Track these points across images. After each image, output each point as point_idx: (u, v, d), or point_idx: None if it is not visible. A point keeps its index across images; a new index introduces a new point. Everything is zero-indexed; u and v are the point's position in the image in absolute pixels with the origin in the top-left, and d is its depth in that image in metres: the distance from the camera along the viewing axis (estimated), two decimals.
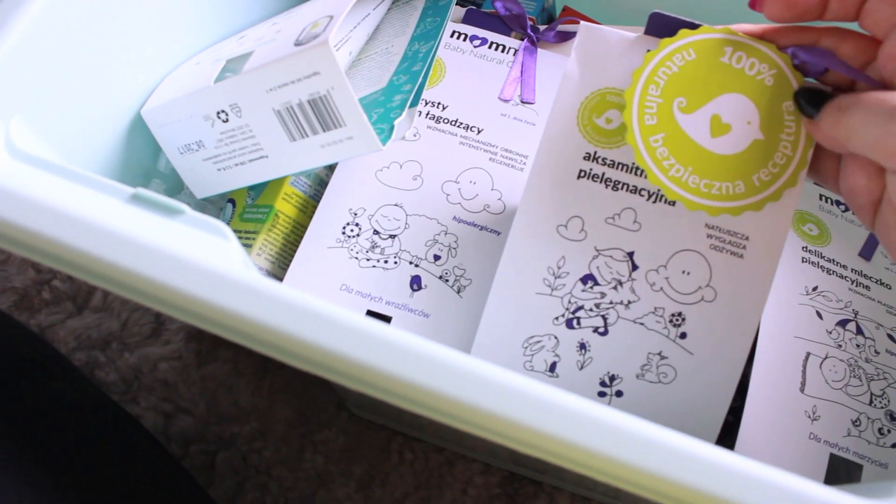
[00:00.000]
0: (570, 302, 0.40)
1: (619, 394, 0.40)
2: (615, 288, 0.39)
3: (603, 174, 0.39)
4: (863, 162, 0.36)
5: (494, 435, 0.27)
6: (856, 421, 0.45)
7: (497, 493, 0.58)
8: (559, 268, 0.40)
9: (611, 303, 0.40)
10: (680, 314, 0.39)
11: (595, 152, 0.39)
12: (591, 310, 0.40)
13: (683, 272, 0.39)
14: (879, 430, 0.45)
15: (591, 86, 0.39)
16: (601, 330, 0.40)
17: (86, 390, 0.42)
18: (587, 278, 0.39)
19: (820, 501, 0.26)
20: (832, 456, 0.44)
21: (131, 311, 0.61)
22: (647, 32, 0.39)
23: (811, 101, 0.36)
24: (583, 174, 0.39)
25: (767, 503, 0.26)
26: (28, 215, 0.28)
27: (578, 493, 0.58)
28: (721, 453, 0.26)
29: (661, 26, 0.38)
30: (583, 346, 0.40)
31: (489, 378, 0.26)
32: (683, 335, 0.39)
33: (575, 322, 0.40)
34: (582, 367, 0.40)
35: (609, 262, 0.39)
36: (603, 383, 0.40)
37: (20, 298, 0.61)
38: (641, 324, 0.40)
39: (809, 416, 0.45)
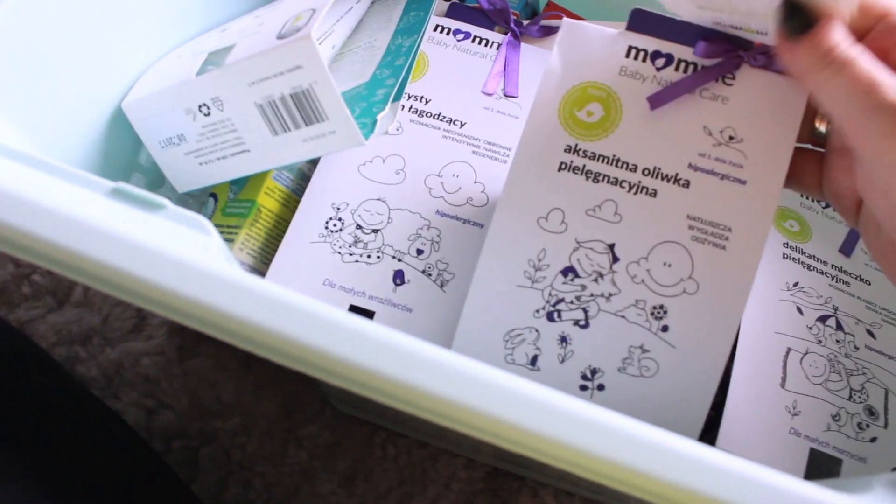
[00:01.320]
0: (550, 294, 0.40)
1: (600, 387, 0.40)
2: (596, 280, 0.39)
3: (584, 166, 0.39)
4: (845, 164, 0.36)
5: (476, 431, 0.27)
6: (835, 416, 0.45)
7: (480, 488, 0.58)
8: (540, 260, 0.40)
9: (591, 295, 0.39)
10: (661, 307, 0.39)
11: (576, 145, 0.39)
12: (571, 302, 0.40)
13: (665, 264, 0.39)
14: (859, 424, 0.45)
15: (572, 80, 0.39)
16: (582, 323, 0.40)
17: (67, 386, 0.42)
18: (568, 270, 0.39)
19: (799, 497, 0.26)
20: (812, 450, 0.44)
21: (112, 305, 0.61)
22: (629, 28, 0.39)
23: (796, 20, 0.32)
24: (563, 166, 0.39)
25: (748, 499, 0.26)
26: (6, 210, 0.28)
27: (562, 488, 0.58)
28: (702, 449, 0.26)
29: (643, 22, 0.39)
30: (564, 339, 0.40)
31: (470, 374, 0.26)
32: (665, 328, 0.39)
33: (556, 315, 0.40)
34: (563, 361, 0.40)
35: (590, 254, 0.39)
36: (584, 377, 0.40)
37: None
38: (622, 316, 0.39)
39: (790, 411, 0.45)
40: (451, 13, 0.52)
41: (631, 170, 0.39)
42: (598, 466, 0.26)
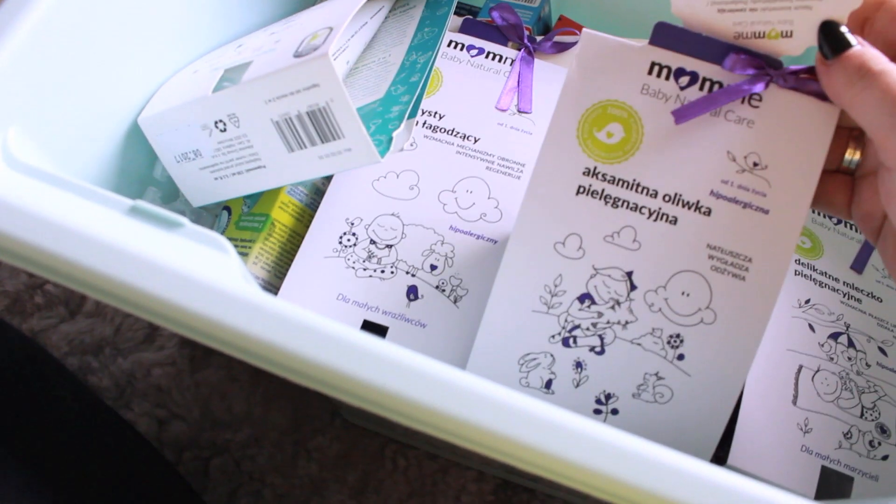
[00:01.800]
0: (566, 321, 0.40)
1: (614, 412, 0.40)
2: (613, 308, 0.39)
3: (603, 190, 0.38)
4: (876, 186, 0.36)
5: (489, 451, 0.27)
6: (847, 433, 0.45)
7: (490, 501, 0.58)
8: (556, 286, 0.39)
9: (608, 322, 0.39)
10: (678, 335, 0.39)
11: (595, 167, 0.38)
12: (587, 329, 0.39)
13: (683, 293, 0.38)
14: (870, 442, 0.45)
15: (592, 97, 0.38)
16: (598, 349, 0.39)
17: (83, 397, 0.42)
18: (584, 297, 0.39)
19: None
20: (824, 468, 0.44)
21: (124, 316, 0.61)
22: (652, 43, 0.38)
23: (832, 42, 0.34)
24: (582, 190, 0.39)
25: None
26: (26, 228, 0.28)
27: (571, 502, 0.58)
28: (714, 471, 0.26)
29: (667, 36, 0.37)
30: (579, 365, 0.40)
31: (484, 394, 0.27)
32: (681, 357, 0.39)
33: (571, 341, 0.40)
34: (578, 385, 0.40)
35: (607, 281, 0.39)
36: (598, 401, 0.40)
37: (12, 302, 0.61)
38: (639, 344, 0.39)
39: (801, 429, 0.45)
40: (464, 29, 0.53)
41: (651, 195, 0.38)
42: (607, 486, 0.26)
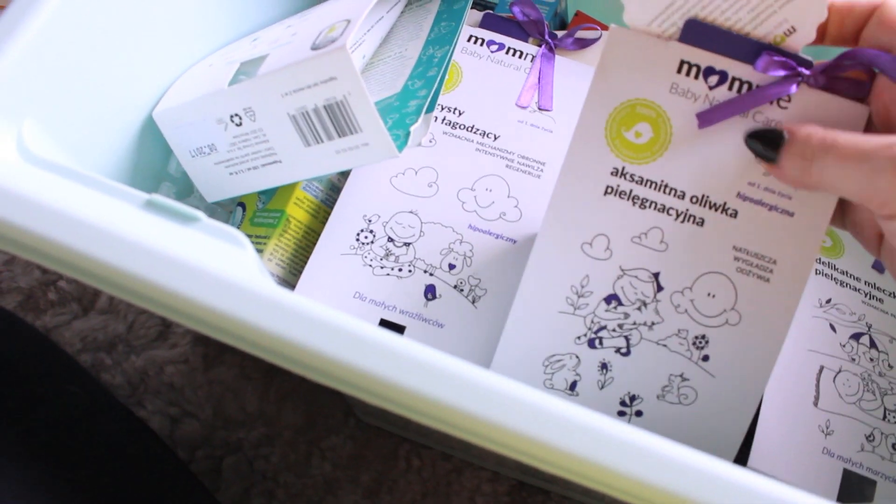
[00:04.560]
0: (592, 322, 0.39)
1: (638, 413, 0.40)
2: (639, 309, 0.39)
3: (630, 191, 0.38)
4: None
5: (509, 450, 0.27)
6: (869, 436, 0.45)
7: (505, 502, 0.58)
8: (583, 287, 0.39)
9: (634, 323, 0.39)
10: (703, 337, 0.39)
11: (623, 168, 0.38)
12: (613, 330, 0.39)
13: (709, 294, 0.38)
14: (893, 445, 0.45)
15: (620, 96, 0.38)
16: (623, 350, 0.39)
17: (97, 394, 0.42)
18: (611, 298, 0.39)
19: None
20: (846, 471, 0.44)
21: (137, 313, 0.61)
22: (682, 40, 0.37)
23: (766, 144, 0.35)
24: (610, 190, 0.38)
25: None
26: (41, 221, 0.28)
27: (587, 503, 0.58)
28: (736, 471, 0.26)
29: (697, 34, 0.37)
30: (604, 366, 0.39)
31: (506, 393, 0.26)
32: (706, 358, 0.39)
33: (597, 342, 0.39)
34: (602, 387, 0.40)
35: (634, 282, 0.39)
36: (623, 403, 0.40)
37: (25, 299, 0.61)
38: (664, 345, 0.39)
39: (823, 431, 0.44)
40: (484, 24, 0.52)
41: (679, 197, 0.38)
42: (631, 487, 0.26)
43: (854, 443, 0.45)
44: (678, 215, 0.38)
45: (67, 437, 0.39)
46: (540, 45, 0.51)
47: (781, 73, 0.36)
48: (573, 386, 0.40)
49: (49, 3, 0.34)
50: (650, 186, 0.38)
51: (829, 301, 0.48)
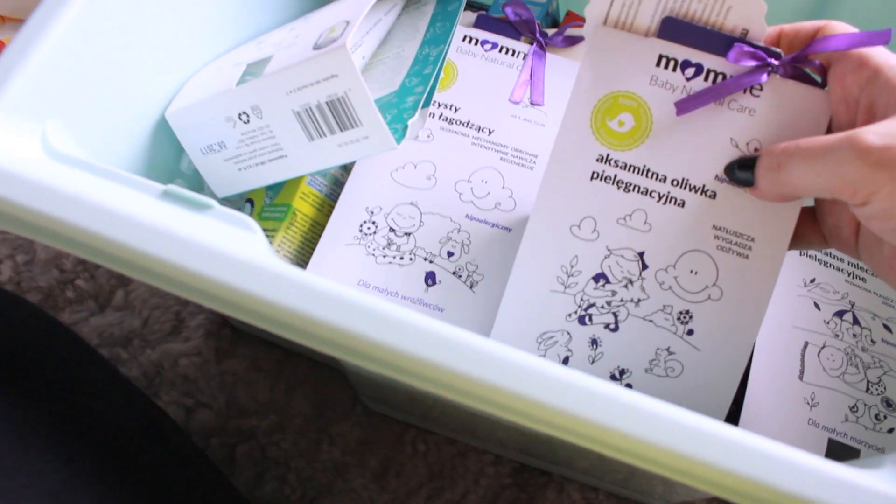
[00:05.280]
0: (582, 299, 0.41)
1: (628, 386, 0.41)
2: (626, 286, 0.41)
3: (615, 176, 0.40)
4: (836, 206, 0.38)
5: (513, 413, 0.28)
6: (853, 407, 0.46)
7: (508, 483, 0.59)
8: (572, 266, 0.41)
9: (621, 300, 0.41)
10: (687, 312, 0.41)
11: (608, 154, 0.40)
12: (602, 307, 0.41)
13: (691, 272, 0.40)
14: (876, 416, 0.46)
15: (604, 88, 0.40)
16: (612, 326, 0.41)
17: (116, 380, 0.44)
18: (599, 277, 0.41)
19: (817, 471, 0.27)
20: (830, 441, 0.45)
21: (152, 309, 0.63)
22: (660, 35, 0.40)
23: (743, 168, 0.38)
24: (595, 176, 0.41)
25: (768, 472, 0.27)
26: (68, 210, 0.30)
27: (588, 483, 0.60)
28: (723, 427, 0.28)
29: (674, 30, 0.39)
30: (594, 342, 0.41)
31: (510, 359, 0.28)
32: (690, 332, 0.41)
33: (587, 319, 0.41)
34: (593, 362, 0.42)
35: (620, 261, 0.41)
36: (613, 377, 0.41)
37: (45, 297, 0.63)
38: (650, 321, 0.41)
39: (808, 403, 0.46)
40: (478, 24, 0.54)
41: (661, 180, 0.40)
42: (626, 444, 0.27)
43: (838, 414, 0.46)
44: (660, 198, 0.40)
45: (92, 421, 0.40)
46: (531, 44, 0.53)
47: (752, 63, 0.38)
48: (565, 361, 0.42)
49: (68, 14, 0.36)
50: (633, 171, 0.40)
51: (813, 281, 0.50)
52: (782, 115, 0.39)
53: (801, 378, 0.47)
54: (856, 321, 0.49)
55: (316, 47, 0.41)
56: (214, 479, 0.47)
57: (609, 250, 0.41)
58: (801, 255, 0.51)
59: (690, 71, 0.39)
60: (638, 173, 0.40)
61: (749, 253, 0.40)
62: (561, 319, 0.42)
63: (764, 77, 0.38)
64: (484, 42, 0.53)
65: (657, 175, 0.40)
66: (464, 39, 0.53)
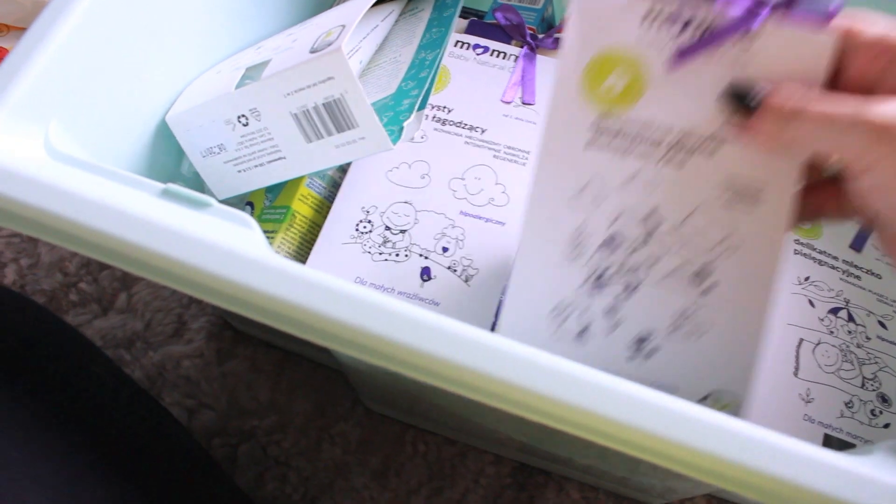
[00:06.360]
0: (592, 269, 0.40)
1: (650, 353, 0.40)
2: (635, 250, 0.39)
3: (612, 140, 0.39)
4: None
5: (508, 404, 0.29)
6: (848, 403, 0.47)
7: (508, 483, 0.60)
8: (579, 236, 0.40)
9: (633, 265, 0.40)
10: (703, 270, 0.39)
11: (602, 118, 0.39)
12: (613, 274, 0.40)
13: (701, 229, 0.39)
14: (871, 411, 0.47)
15: (591, 49, 0.38)
16: (626, 293, 0.40)
17: (120, 378, 0.44)
18: (606, 244, 0.40)
19: (809, 458, 0.28)
20: (826, 436, 0.46)
21: (154, 311, 0.64)
22: None
23: (740, 101, 0.36)
24: (592, 141, 0.39)
25: (760, 459, 0.28)
26: (69, 207, 0.31)
27: (587, 482, 0.60)
28: (717, 416, 0.28)
29: None
30: (610, 310, 0.40)
31: (504, 349, 0.29)
32: (707, 290, 0.39)
33: (599, 288, 0.40)
34: (612, 331, 0.40)
35: (626, 226, 0.39)
36: (637, 342, 0.40)
37: (49, 300, 0.64)
38: (665, 283, 0.40)
39: (803, 399, 0.46)
40: (470, 30, 0.55)
41: (659, 139, 0.38)
42: (629, 436, 0.28)
43: (834, 409, 0.47)
44: (660, 157, 0.39)
45: (97, 417, 0.41)
46: (522, 47, 0.54)
47: (742, 6, 0.36)
48: (582, 332, 0.40)
49: (70, 19, 0.37)
50: (630, 133, 0.39)
51: (807, 279, 0.50)
52: (778, 62, 0.37)
53: (795, 374, 0.47)
54: (850, 318, 0.49)
55: (312, 51, 0.42)
56: (217, 476, 0.47)
57: (614, 216, 0.39)
58: (794, 254, 0.51)
59: (679, 24, 0.37)
60: (635, 134, 0.39)
61: (757, 202, 0.38)
62: (573, 291, 0.40)
63: (756, 23, 0.36)
64: (476, 46, 0.54)
65: (654, 135, 0.39)
66: (456, 44, 0.54)
